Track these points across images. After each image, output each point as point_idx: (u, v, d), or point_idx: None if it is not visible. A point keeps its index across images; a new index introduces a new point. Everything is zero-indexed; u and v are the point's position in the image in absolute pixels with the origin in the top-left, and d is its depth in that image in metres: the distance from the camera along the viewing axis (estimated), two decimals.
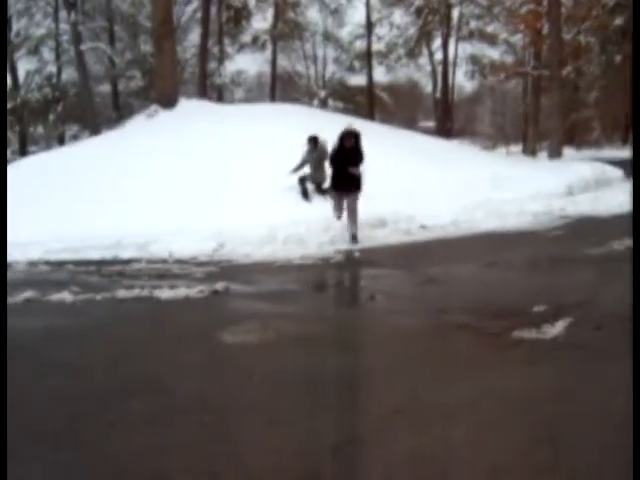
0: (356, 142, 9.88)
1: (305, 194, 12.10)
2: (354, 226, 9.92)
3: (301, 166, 12.32)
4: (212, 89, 35.92)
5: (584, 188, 14.09)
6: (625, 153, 30.44)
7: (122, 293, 6.86)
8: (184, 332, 5.50)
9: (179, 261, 8.82)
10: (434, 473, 3.09)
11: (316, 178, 12.15)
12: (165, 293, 6.81)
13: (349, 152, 9.85)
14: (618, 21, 32.93)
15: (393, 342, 5.11)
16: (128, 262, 8.87)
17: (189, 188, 11.84)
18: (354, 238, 9.82)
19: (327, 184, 11.53)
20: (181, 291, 6.87)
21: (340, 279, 8.08)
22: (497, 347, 4.77)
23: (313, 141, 12.24)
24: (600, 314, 5.38)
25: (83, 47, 33.81)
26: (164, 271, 8.20)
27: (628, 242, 8.61)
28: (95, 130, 30.25)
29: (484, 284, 7.00)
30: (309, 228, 10.13)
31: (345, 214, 10.20)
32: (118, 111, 36.40)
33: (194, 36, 37.29)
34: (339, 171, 10.02)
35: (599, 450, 3.20)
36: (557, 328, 5.01)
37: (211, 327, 5.55)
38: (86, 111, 33.03)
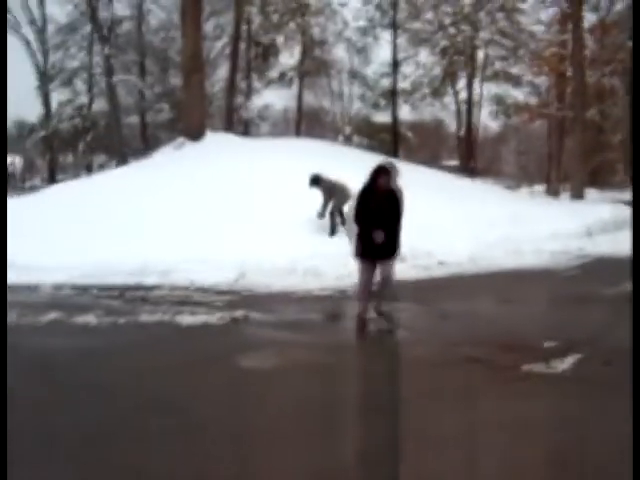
0: (392, 184, 6.76)
1: (333, 230, 12.22)
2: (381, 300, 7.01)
3: (325, 207, 12.35)
4: (238, 123, 36.55)
5: (603, 229, 14.15)
6: None
7: (144, 318, 7.09)
8: (203, 357, 5.69)
9: (200, 289, 9.03)
10: None
11: (339, 204, 12.20)
12: (186, 319, 7.02)
13: (382, 196, 6.70)
14: None
15: (406, 373, 5.26)
16: (151, 288, 9.09)
17: (212, 219, 12.11)
18: (389, 319, 6.87)
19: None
20: (201, 318, 7.08)
21: (356, 311, 8.20)
22: (506, 380, 4.91)
23: (317, 181, 12.34)
24: (610, 350, 5.50)
25: (115, 79, 34.71)
26: (185, 298, 8.41)
27: None
28: (122, 160, 30.97)
29: (498, 319, 7.12)
30: (328, 261, 10.30)
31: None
32: (145, 142, 37.22)
33: (222, 71, 38.16)
34: (368, 228, 6.68)
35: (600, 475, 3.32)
36: (566, 363, 5.13)
37: (229, 353, 5.74)
38: (114, 141, 33.79)
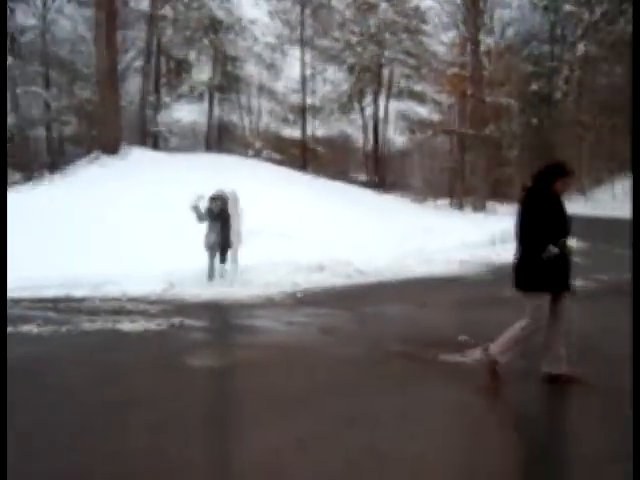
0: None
1: (212, 272, 10.62)
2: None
3: (202, 218, 10.74)
4: (148, 136, 36.41)
5: (505, 238, 15.29)
6: None
7: (86, 326, 7.39)
8: (153, 358, 6.12)
9: (132, 300, 9.32)
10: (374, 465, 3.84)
11: (223, 243, 10.74)
12: (126, 326, 7.37)
13: (561, 205, 5.19)
14: (534, 87, 35.62)
15: (339, 368, 5.84)
16: (83, 300, 9.31)
17: (137, 232, 12.40)
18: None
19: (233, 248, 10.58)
20: (141, 325, 7.45)
21: (286, 316, 8.73)
22: (426, 368, 5.60)
23: (220, 200, 10.78)
24: None
25: (18, 91, 33.91)
26: (120, 308, 8.70)
27: None
28: (29, 175, 30.28)
29: (416, 320, 7.87)
30: (254, 270, 10.81)
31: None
32: (52, 156, 36.48)
33: (130, 84, 37.92)
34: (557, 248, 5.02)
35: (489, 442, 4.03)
36: (477, 353, 5.87)
37: (176, 354, 6.18)
38: (20, 155, 32.94)
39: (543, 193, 5.05)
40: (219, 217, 10.72)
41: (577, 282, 9.99)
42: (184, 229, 12.62)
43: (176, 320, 7.65)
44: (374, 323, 7.79)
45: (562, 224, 5.08)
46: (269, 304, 9.14)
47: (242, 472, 3.72)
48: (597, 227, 19.43)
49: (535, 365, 5.25)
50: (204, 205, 10.84)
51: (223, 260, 10.74)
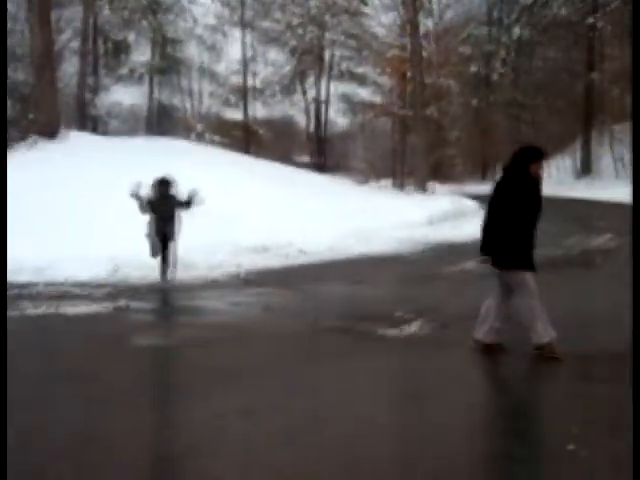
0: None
1: (156, 251, 9.60)
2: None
3: (144, 208, 9.70)
4: (88, 120, 35.80)
5: (443, 218, 15.80)
6: (483, 188, 33.27)
7: (29, 311, 7.43)
8: (100, 339, 6.24)
9: (77, 284, 9.35)
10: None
11: (167, 230, 9.69)
12: (71, 310, 7.46)
13: (539, 187, 5.40)
14: (473, 68, 36.39)
15: (280, 341, 6.09)
16: (25, 286, 9.28)
17: (80, 217, 12.32)
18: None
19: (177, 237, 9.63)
20: (86, 308, 7.55)
21: (230, 297, 8.91)
22: (364, 342, 5.89)
23: (165, 184, 9.66)
24: (447, 316, 6.66)
25: None
26: (64, 293, 8.74)
27: (476, 263, 10.16)
28: None
29: (355, 297, 8.18)
30: (198, 253, 10.92)
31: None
32: None
33: (66, 66, 37.14)
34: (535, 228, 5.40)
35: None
36: (413, 327, 6.22)
37: (122, 334, 6.32)
38: None
39: (523, 175, 5.29)
40: (167, 203, 9.66)
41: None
42: (127, 212, 12.65)
43: (122, 303, 7.77)
44: (316, 301, 8.06)
45: (539, 207, 5.32)
46: (214, 285, 9.32)
47: (190, 437, 3.92)
48: None
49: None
50: (145, 193, 9.83)
51: (165, 248, 9.60)
